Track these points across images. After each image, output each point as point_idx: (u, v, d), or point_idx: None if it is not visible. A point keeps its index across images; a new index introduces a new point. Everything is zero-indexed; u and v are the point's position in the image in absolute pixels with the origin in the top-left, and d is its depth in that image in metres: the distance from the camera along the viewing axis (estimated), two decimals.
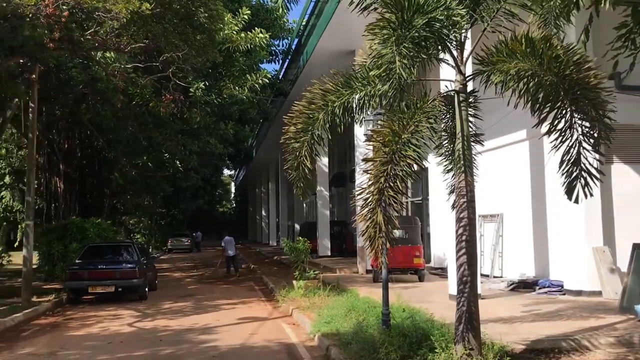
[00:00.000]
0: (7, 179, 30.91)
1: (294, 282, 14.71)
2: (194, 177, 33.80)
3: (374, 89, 6.71)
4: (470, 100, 7.04)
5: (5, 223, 34.70)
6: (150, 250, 39.32)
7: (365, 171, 6.41)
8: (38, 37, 11.64)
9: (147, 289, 15.50)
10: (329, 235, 27.14)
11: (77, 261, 15.40)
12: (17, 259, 17.73)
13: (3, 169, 30.73)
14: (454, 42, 6.71)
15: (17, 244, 30.00)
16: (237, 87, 17.41)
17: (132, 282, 14.67)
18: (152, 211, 36.87)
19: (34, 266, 20.53)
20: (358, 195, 6.46)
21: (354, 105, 7.32)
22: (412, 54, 5.86)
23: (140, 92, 15.75)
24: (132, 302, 14.47)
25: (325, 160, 27.01)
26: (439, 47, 6.53)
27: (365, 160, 6.55)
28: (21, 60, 13.17)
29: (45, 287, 17.59)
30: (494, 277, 14.91)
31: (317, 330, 9.52)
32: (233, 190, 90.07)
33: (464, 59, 6.94)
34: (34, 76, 14.26)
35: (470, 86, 7.34)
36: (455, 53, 6.86)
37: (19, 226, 31.09)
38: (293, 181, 8.03)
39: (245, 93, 17.20)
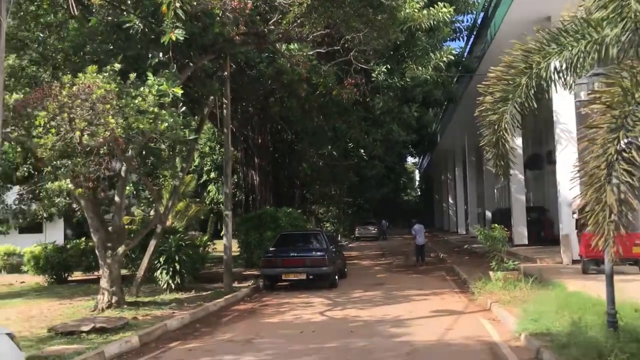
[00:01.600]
0: (212, 174, 33.76)
1: (491, 273, 13.53)
2: (379, 166, 33.66)
3: (593, 41, 5.48)
4: None
5: (212, 214, 38.12)
6: (338, 238, 40.31)
7: (590, 140, 5.23)
8: (227, 33, 12.08)
9: (337, 277, 15.48)
10: (525, 222, 25.05)
11: (270, 249, 15.92)
12: (221, 246, 19.00)
13: (208, 165, 33.59)
14: None
15: (222, 233, 32.63)
16: (420, 68, 16.60)
17: (322, 270, 14.73)
18: (339, 200, 37.67)
19: (235, 253, 22.03)
20: (579, 170, 5.31)
21: (564, 66, 6.12)
22: None
23: (324, 81, 15.72)
24: (323, 290, 14.54)
25: (518, 141, 24.94)
26: None
27: (588, 127, 5.37)
28: (213, 57, 13.80)
29: (245, 273, 18.63)
30: None
31: (523, 328, 8.40)
32: (417, 178, 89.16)
33: None
34: (225, 73, 14.95)
35: None
36: None
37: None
38: (491, 160, 7.04)
39: (429, 72, 16.32)
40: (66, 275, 18.89)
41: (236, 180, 33.40)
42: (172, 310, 12.09)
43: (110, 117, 9.22)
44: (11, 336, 4.90)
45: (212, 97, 15.20)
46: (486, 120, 6.70)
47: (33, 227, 29.36)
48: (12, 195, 15.82)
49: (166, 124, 9.89)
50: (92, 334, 9.36)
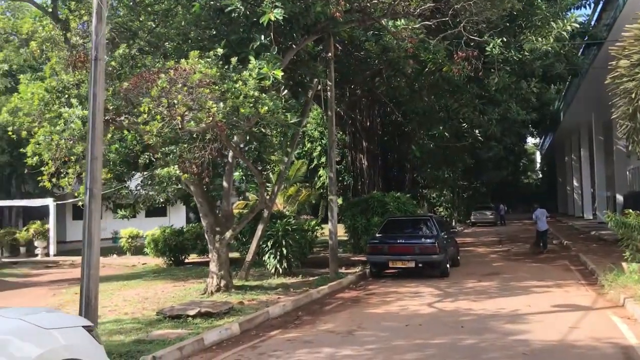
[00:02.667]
0: (322, 159, 33.81)
1: (624, 264, 12.09)
2: (495, 147, 31.88)
3: None
4: None
5: (322, 199, 38.32)
6: (453, 223, 38.90)
7: None
8: (329, 11, 11.64)
9: (448, 265, 14.66)
10: None
11: (377, 235, 15.41)
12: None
13: (317, 149, 33.64)
14: None
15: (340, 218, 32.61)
16: (539, 39, 15.12)
17: (432, 258, 13.98)
18: (452, 184, 36.25)
19: (343, 238, 21.80)
20: None
21: None
22: None
23: (433, 57, 14.83)
24: (433, 279, 13.81)
25: None
26: None
27: None
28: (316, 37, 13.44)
29: (353, 258, 18.31)
30: None
31: None
32: (538, 159, 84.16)
33: None
34: (330, 54, 14.54)
35: None
36: None
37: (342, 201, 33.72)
38: (625, 135, 6.01)
39: (550, 44, 14.80)
40: (183, 257, 19.63)
41: (344, 164, 33.26)
42: (277, 295, 12.02)
43: (211, 102, 9.13)
44: (89, 329, 4.80)
45: (316, 80, 14.89)
46: (620, 89, 5.72)
47: (158, 211, 31.16)
48: (135, 182, 16.57)
49: (266, 108, 9.65)
50: (198, 319, 9.45)
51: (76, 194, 13.52)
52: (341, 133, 32.06)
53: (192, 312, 9.62)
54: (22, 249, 25.49)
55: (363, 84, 21.32)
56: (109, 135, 10.72)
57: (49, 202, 25.10)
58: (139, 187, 17.69)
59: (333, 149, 15.05)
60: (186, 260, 19.90)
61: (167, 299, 12.26)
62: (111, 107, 9.78)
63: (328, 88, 14.76)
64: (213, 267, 12.82)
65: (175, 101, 8.65)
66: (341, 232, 22.14)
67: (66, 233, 29.29)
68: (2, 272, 19.28)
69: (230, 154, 12.96)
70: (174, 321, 9.44)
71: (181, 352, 7.09)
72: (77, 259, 22.32)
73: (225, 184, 13.60)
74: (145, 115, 9.09)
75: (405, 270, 14.57)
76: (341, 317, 9.71)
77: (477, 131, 21.65)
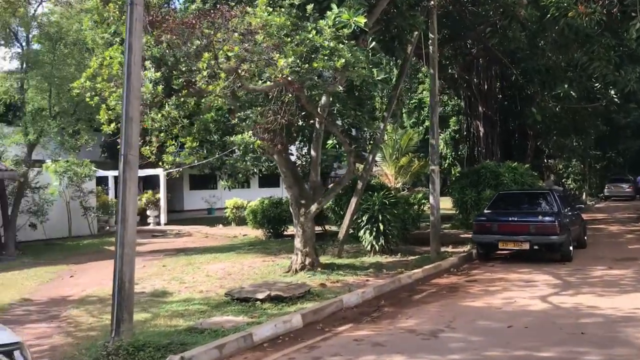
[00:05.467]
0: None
1: None
2: (635, 111, 27.68)
3: None
4: None
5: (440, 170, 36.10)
6: (582, 197, 35.04)
7: None
8: None
9: (571, 248, 12.43)
10: None
11: (485, 211, 13.46)
12: (443, 204, 16.91)
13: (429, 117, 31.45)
14: None
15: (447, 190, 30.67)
16: None
17: (551, 239, 11.84)
18: (582, 153, 32.35)
19: (452, 212, 19.92)
20: None
21: None
22: None
23: (556, 1, 12.41)
24: (550, 264, 11.73)
25: None
26: None
27: None
28: None
29: (461, 235, 16.52)
30: None
31: None
32: None
33: None
34: (432, 2, 12.67)
35: None
36: None
37: (452, 171, 31.68)
38: None
39: None
40: (282, 229, 18.90)
41: (456, 131, 30.86)
42: (367, 277, 10.73)
43: (277, 55, 7.85)
44: (18, 347, 3.73)
45: (416, 33, 13.10)
46: None
47: (271, 181, 30.95)
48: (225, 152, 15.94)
49: (343, 60, 8.20)
50: (267, 303, 8.42)
51: (162, 163, 13.06)
52: (455, 98, 29.69)
53: (261, 296, 8.57)
54: (137, 218, 26.30)
55: (477, 41, 19.04)
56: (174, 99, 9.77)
57: (160, 171, 25.49)
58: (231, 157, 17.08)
59: (436, 113, 13.23)
60: (285, 233, 19.13)
61: (249, 275, 11.44)
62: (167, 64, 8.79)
63: (430, 42, 12.91)
64: (298, 243, 11.75)
65: (230, 53, 7.42)
66: (449, 205, 20.33)
67: (183, 202, 29.93)
68: (110, 240, 19.68)
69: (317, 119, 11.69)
70: (241, 305, 8.48)
71: (220, 351, 5.96)
72: (183, 228, 22.67)
73: (313, 152, 12.39)
74: (204, 73, 8.02)
75: (517, 253, 12.57)
76: (429, 310, 8.12)
77: (612, 91, 18.50)
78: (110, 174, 24.67)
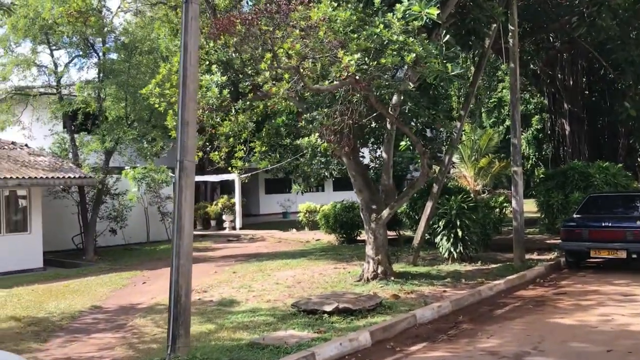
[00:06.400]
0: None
1: None
2: None
3: None
4: None
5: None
6: None
7: None
8: None
9: None
10: None
11: (574, 216, 12.31)
12: (527, 207, 15.82)
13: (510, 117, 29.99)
14: None
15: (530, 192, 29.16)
16: None
17: None
18: None
19: (536, 216, 18.64)
20: None
21: None
22: None
23: None
24: None
25: None
26: None
27: None
28: None
29: (547, 241, 15.37)
30: None
31: None
32: None
33: None
34: None
35: None
36: None
37: (535, 172, 30.13)
38: None
39: None
40: (355, 234, 18.38)
41: (539, 130, 29.22)
42: (444, 287, 10.02)
43: (342, 51, 7.35)
44: None
45: (495, 26, 12.22)
46: None
47: (346, 184, 30.54)
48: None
49: (414, 55, 7.58)
50: (334, 316, 7.90)
51: (232, 168, 12.90)
52: (538, 95, 28.11)
53: (328, 308, 8.08)
54: (213, 222, 26.52)
55: (561, 33, 17.74)
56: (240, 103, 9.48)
57: (234, 176, 25.64)
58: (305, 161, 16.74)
59: (517, 109, 12.26)
60: (358, 238, 18.59)
61: (319, 284, 11.02)
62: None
63: (510, 34, 12.00)
64: (369, 250, 11.19)
65: (291, 51, 6.98)
66: (533, 209, 19.08)
67: (259, 206, 30.09)
68: None
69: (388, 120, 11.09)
70: (308, 317, 8.03)
71: None
72: (257, 233, 22.60)
73: (384, 154, 11.80)
74: (267, 74, 7.65)
75: (612, 262, 11.39)
76: (514, 327, 7.31)
77: None
78: None
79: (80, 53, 17.10)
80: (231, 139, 11.72)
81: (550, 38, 20.65)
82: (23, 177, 14.58)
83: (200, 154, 11.40)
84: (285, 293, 10.21)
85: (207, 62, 10.89)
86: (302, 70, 7.31)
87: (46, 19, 14.49)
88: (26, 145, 17.75)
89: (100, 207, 17.85)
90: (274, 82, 7.94)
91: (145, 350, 6.87)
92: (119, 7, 16.54)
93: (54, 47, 16.85)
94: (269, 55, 7.56)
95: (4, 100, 17.01)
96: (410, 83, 8.54)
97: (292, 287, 10.84)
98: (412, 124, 13.78)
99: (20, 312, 9.42)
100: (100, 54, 17.25)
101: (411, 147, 14.77)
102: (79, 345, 7.41)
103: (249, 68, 9.53)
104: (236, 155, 11.56)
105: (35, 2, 14.45)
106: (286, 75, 7.94)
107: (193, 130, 5.97)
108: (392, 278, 10.83)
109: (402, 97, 9.99)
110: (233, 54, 10.27)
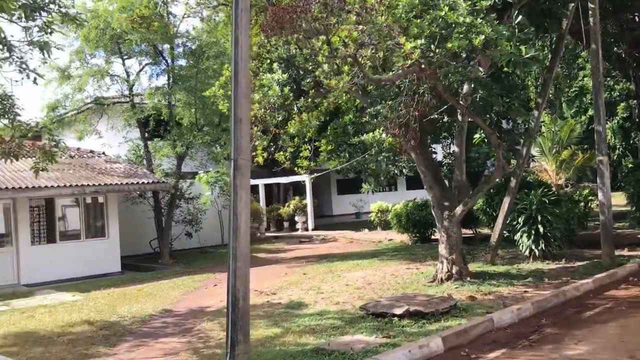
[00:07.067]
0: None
1: None
2: None
3: None
4: None
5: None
6: None
7: None
8: None
9: None
10: None
11: None
12: (615, 199, 14.62)
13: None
14: None
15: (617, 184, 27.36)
16: None
17: None
18: None
19: (626, 209, 17.29)
20: None
21: None
22: None
23: None
24: None
25: None
26: None
27: None
28: None
29: (639, 236, 14.20)
30: None
31: None
32: None
33: None
34: None
35: None
36: None
37: (622, 163, 28.31)
38: None
39: None
40: (428, 234, 17.76)
41: (626, 119, 27.33)
42: (524, 287, 9.38)
43: (403, 37, 6.90)
44: None
45: (572, 5, 11.33)
46: None
47: (420, 183, 29.79)
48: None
49: (482, 37, 7.01)
50: (405, 319, 7.46)
51: (297, 168, 12.67)
52: (623, 81, 26.25)
53: (398, 311, 7.64)
54: (286, 224, 26.55)
55: None
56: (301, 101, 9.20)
57: (305, 177, 25.54)
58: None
59: (600, 94, 11.30)
60: (432, 237, 17.95)
61: (390, 285, 10.61)
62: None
63: (590, 12, 11.07)
64: (442, 249, 10.64)
65: (347, 39, 6.59)
66: (622, 202, 17.75)
67: (332, 207, 29.95)
68: (259, 247, 19.95)
69: (459, 111, 10.48)
70: (377, 321, 7.65)
71: None
72: (329, 233, 22.36)
73: (455, 148, 11.22)
74: (325, 67, 7.31)
75: None
76: (605, 332, 6.56)
77: None
78: (260, 182, 25.24)
79: (150, 61, 17.47)
80: (296, 139, 11.49)
81: (636, 18, 19.13)
82: (99, 184, 15.02)
83: (265, 154, 11.27)
84: (354, 295, 9.86)
85: (269, 61, 10.71)
86: (360, 59, 6.91)
87: (115, 28, 14.86)
88: (103, 153, 18.35)
89: (174, 211, 18.15)
90: (333, 75, 7.59)
91: (208, 356, 6.70)
92: (185, 13, 16.73)
93: (125, 57, 17.31)
94: (325, 47, 7.22)
95: (81, 110, 17.65)
96: (481, 69, 7.93)
97: (362, 288, 10.48)
98: (486, 115, 13.06)
99: (94, 316, 9.57)
100: (169, 60, 17.55)
101: (486, 140, 14.00)
102: (146, 349, 7.36)
103: (310, 64, 9.25)
104: (301, 155, 11.31)
105: (105, 13, 14.87)
106: (346, 68, 7.58)
107: (246, 127, 5.71)
108: (468, 278, 10.25)
109: (472, 85, 9.38)
110: (294, 50, 10.03)
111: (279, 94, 9.52)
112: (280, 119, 9.82)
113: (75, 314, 9.82)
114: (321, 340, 6.91)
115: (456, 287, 9.71)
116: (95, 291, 12.25)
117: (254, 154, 11.45)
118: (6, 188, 13.41)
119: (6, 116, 9.10)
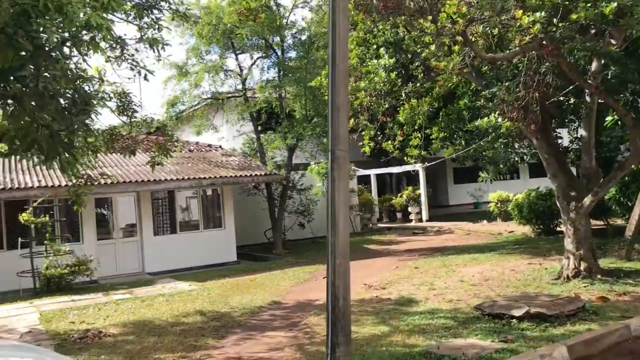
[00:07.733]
0: None
1: None
2: None
3: None
4: None
5: None
6: None
7: None
8: None
9: None
10: None
11: None
12: None
13: None
14: None
15: None
16: None
17: None
18: None
19: None
20: None
21: None
22: None
23: None
24: None
25: None
26: None
27: None
28: None
29: None
30: None
31: None
32: None
33: None
34: None
35: None
36: None
37: None
38: None
39: None
40: (554, 225, 16.46)
41: None
42: None
43: (519, 11, 6.20)
44: None
45: None
46: None
47: (544, 170, 27.96)
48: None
49: (614, 5, 6.13)
50: (525, 322, 6.80)
51: (407, 157, 12.15)
52: None
53: (517, 313, 6.98)
54: (399, 215, 26.03)
55: None
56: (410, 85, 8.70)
57: (418, 166, 24.83)
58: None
59: None
60: (558, 229, 16.61)
61: (509, 282, 9.86)
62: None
63: None
64: (568, 243, 9.72)
65: (456, 16, 6.01)
66: None
67: (448, 197, 29.03)
68: (371, 238, 19.68)
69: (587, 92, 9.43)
70: (493, 322, 7.05)
71: None
72: (445, 225, 21.57)
73: (584, 132, 10.13)
74: (432, 47, 6.78)
75: None
76: None
77: None
78: (372, 172, 24.89)
79: (261, 54, 17.68)
80: (405, 127, 11.00)
81: None
82: (215, 177, 15.46)
83: (372, 144, 10.90)
84: (469, 292, 9.25)
85: (375, 46, 10.31)
86: (470, 37, 6.30)
87: (226, 23, 15.14)
88: (220, 146, 18.94)
89: (287, 202, 18.32)
90: (443, 56, 7.03)
91: (312, 354, 6.49)
92: (294, 4, 16.70)
93: (238, 51, 17.65)
94: (432, 26, 6.69)
95: (198, 106, 18.29)
96: (613, 41, 6.99)
97: (478, 285, 9.82)
98: (620, 94, 11.74)
99: (207, 307, 9.77)
100: (279, 52, 17.65)
101: (619, 123, 12.61)
102: (252, 343, 7.31)
103: (418, 46, 8.72)
104: (411, 143, 10.81)
105: (217, 9, 15.19)
106: (456, 47, 6.99)
107: (345, 116, 5.36)
108: (599, 276, 9.27)
109: (603, 62, 8.35)
110: (401, 33, 9.55)
111: (385, 79, 9.11)
112: (387, 106, 9.38)
113: (190, 304, 10.09)
114: (431, 342, 6.46)
115: (585, 286, 8.81)
116: (211, 281, 12.57)
117: (361, 143, 11.14)
118: (130, 182, 14.17)
119: (125, 113, 9.43)
